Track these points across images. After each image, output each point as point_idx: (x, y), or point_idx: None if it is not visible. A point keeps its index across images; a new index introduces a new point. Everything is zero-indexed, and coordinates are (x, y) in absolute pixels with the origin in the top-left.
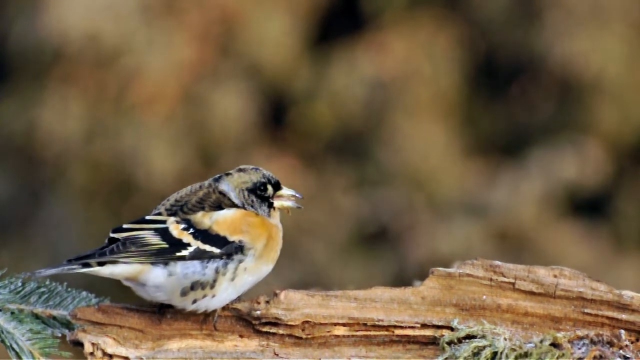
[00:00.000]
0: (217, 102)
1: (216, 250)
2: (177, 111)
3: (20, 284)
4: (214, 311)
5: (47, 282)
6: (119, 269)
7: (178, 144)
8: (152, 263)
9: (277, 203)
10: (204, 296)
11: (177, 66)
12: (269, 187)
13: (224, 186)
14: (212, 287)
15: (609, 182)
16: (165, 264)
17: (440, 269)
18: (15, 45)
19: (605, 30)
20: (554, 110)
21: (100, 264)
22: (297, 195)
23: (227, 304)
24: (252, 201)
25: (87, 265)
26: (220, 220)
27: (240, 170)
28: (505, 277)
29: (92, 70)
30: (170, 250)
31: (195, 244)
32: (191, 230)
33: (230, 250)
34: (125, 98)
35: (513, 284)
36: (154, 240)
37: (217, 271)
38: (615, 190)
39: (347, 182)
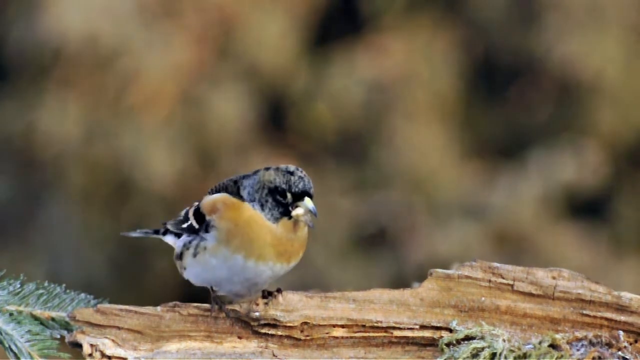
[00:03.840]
0: (216, 104)
1: (196, 226)
2: (176, 113)
3: (19, 286)
4: (222, 303)
5: (46, 284)
6: (167, 238)
7: (177, 146)
8: (175, 234)
9: (294, 212)
10: (180, 266)
11: (176, 68)
12: (289, 195)
13: (249, 178)
14: (181, 259)
15: (607, 184)
16: (175, 234)
17: (439, 270)
18: (14, 47)
19: (603, 32)
20: (552, 112)
21: (164, 233)
22: (313, 212)
23: (225, 305)
24: (267, 201)
25: (157, 232)
26: (206, 200)
27: (277, 168)
28: (503, 278)
29: (90, 72)
30: (181, 222)
31: (192, 220)
32: (194, 208)
33: (202, 227)
34: (123, 100)
35: (512, 285)
36: (182, 215)
37: (184, 245)
38: (614, 192)
39: (346, 183)
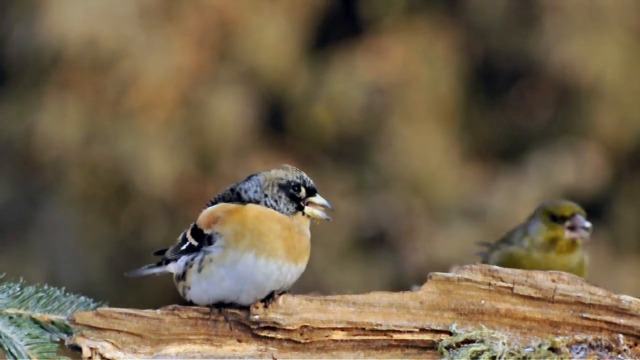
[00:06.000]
0: (215, 107)
1: (195, 244)
2: (176, 116)
3: (18, 289)
4: (222, 306)
5: (46, 287)
6: (169, 267)
7: (176, 149)
8: (175, 260)
9: (307, 209)
10: (184, 287)
11: (175, 71)
12: (303, 190)
13: (249, 182)
14: (184, 279)
15: (607, 186)
16: (176, 260)
17: (439, 273)
18: (14, 50)
19: (603, 35)
20: (552, 115)
21: (166, 263)
22: (328, 206)
23: (226, 308)
24: (280, 197)
25: (160, 264)
26: (203, 214)
27: (281, 167)
28: (503, 281)
29: (90, 75)
30: (180, 246)
31: (190, 240)
32: (191, 228)
33: (202, 242)
34: (123, 103)
35: (511, 288)
36: (179, 239)
37: (186, 264)
38: (614, 194)
39: (346, 186)
